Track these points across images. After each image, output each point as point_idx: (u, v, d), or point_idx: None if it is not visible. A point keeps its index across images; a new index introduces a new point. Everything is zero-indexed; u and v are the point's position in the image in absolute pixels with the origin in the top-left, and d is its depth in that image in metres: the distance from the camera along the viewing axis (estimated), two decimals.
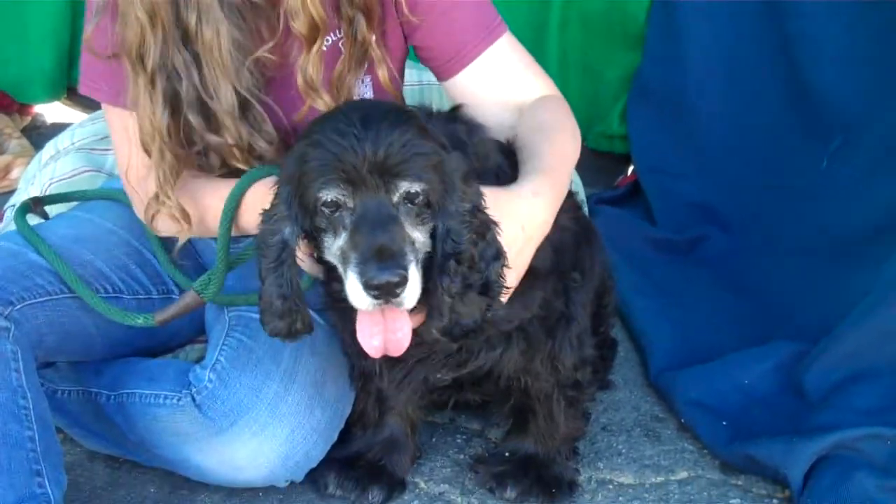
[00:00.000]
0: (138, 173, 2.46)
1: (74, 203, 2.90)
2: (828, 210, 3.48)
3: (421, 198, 1.96)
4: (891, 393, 2.75)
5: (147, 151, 2.35)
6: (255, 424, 2.44)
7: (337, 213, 1.95)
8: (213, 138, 2.36)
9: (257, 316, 2.49)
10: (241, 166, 2.39)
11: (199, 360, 2.63)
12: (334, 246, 1.98)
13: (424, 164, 1.96)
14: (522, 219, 2.17)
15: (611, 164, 4.39)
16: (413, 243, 1.96)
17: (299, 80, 2.33)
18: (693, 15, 4.02)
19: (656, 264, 3.65)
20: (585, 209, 3.69)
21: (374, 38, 2.40)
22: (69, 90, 4.73)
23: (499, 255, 2.05)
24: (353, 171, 1.91)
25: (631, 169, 4.25)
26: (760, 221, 3.70)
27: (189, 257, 2.77)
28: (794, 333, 3.12)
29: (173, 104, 2.32)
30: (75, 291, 2.42)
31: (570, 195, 2.47)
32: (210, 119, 2.35)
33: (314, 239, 2.06)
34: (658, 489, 2.68)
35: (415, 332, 2.06)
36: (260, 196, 2.26)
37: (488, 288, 2.05)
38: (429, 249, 2.01)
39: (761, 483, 2.69)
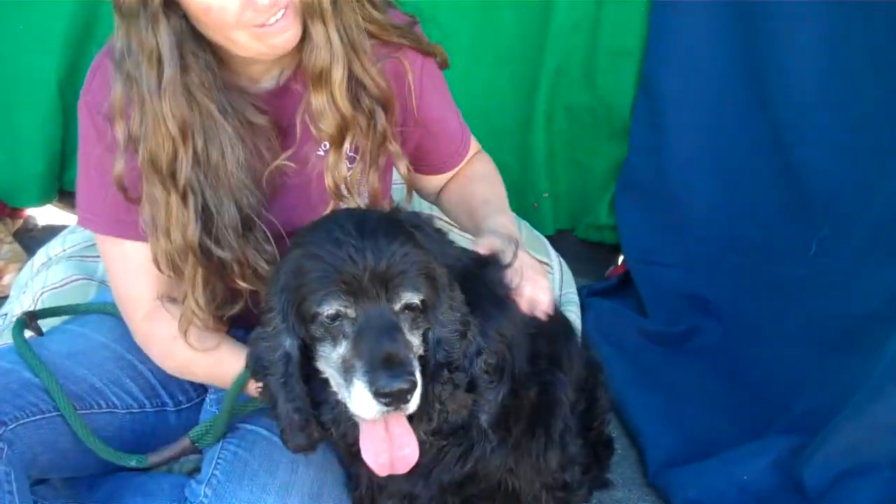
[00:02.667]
0: (144, 307, 2.49)
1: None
2: (819, 299, 3.47)
3: (418, 306, 1.98)
4: (891, 487, 2.73)
5: (178, 269, 2.35)
6: None
7: (337, 323, 1.96)
8: (220, 252, 2.36)
9: (252, 427, 2.52)
10: (244, 285, 2.39)
11: (193, 471, 2.61)
12: (333, 354, 1.98)
13: (421, 274, 1.99)
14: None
15: (601, 254, 4.39)
16: (412, 348, 1.98)
17: (329, 182, 2.37)
18: (677, 105, 4.04)
19: (650, 357, 3.64)
20: (577, 302, 3.76)
21: (390, 131, 2.44)
22: (60, 192, 4.73)
23: (480, 351, 2.10)
24: (354, 281, 1.93)
25: (621, 259, 4.26)
26: (752, 311, 3.70)
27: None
28: (791, 424, 3.10)
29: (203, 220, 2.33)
30: (71, 425, 2.41)
31: None
32: (216, 238, 2.35)
33: (308, 348, 2.05)
34: None
35: None
36: None
37: (474, 385, 2.11)
38: (421, 353, 2.03)
39: None
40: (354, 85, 2.34)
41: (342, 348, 1.96)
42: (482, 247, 2.36)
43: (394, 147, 2.46)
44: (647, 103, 4.12)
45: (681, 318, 3.83)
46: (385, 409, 1.90)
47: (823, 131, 3.64)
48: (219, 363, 2.46)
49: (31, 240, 4.52)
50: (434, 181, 2.82)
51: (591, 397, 2.77)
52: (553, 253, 3.93)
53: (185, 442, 2.50)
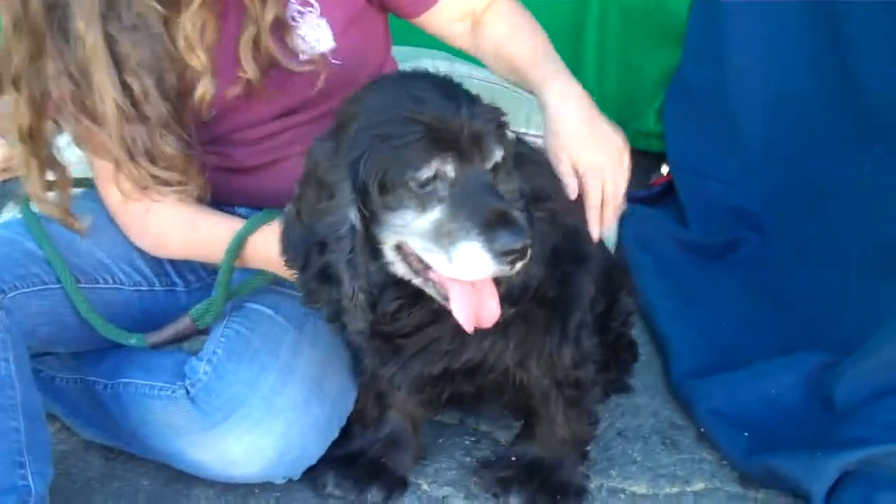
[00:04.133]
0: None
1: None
2: (867, 220, 3.33)
3: (501, 163, 1.93)
4: None
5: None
6: (250, 419, 2.36)
7: (430, 187, 1.85)
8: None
9: (257, 306, 2.47)
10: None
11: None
12: (422, 221, 1.87)
13: (502, 130, 1.95)
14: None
15: (646, 162, 4.22)
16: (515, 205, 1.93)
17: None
18: (736, 12, 3.86)
19: (685, 267, 3.52)
20: None
21: None
22: None
23: (532, 220, 2.05)
24: (453, 140, 1.84)
25: (666, 168, 4.12)
26: (797, 228, 3.56)
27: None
28: (825, 346, 2.98)
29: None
30: (72, 298, 2.38)
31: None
32: None
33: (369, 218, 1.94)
34: (673, 500, 2.56)
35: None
36: (264, 239, 2.24)
37: None
38: None
39: (782, 498, 2.56)
40: None
41: (436, 213, 1.85)
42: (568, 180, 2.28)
43: None
44: (705, 7, 3.94)
45: (721, 230, 3.69)
46: (502, 267, 1.82)
47: (885, 51, 3.42)
48: (194, 228, 2.39)
49: None
50: (432, 25, 2.58)
51: (612, 298, 2.69)
52: None
53: (185, 320, 2.45)
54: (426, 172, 1.83)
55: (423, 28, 2.60)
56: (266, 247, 2.23)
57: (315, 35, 2.35)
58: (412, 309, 2.08)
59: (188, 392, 2.40)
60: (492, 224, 1.80)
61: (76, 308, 2.40)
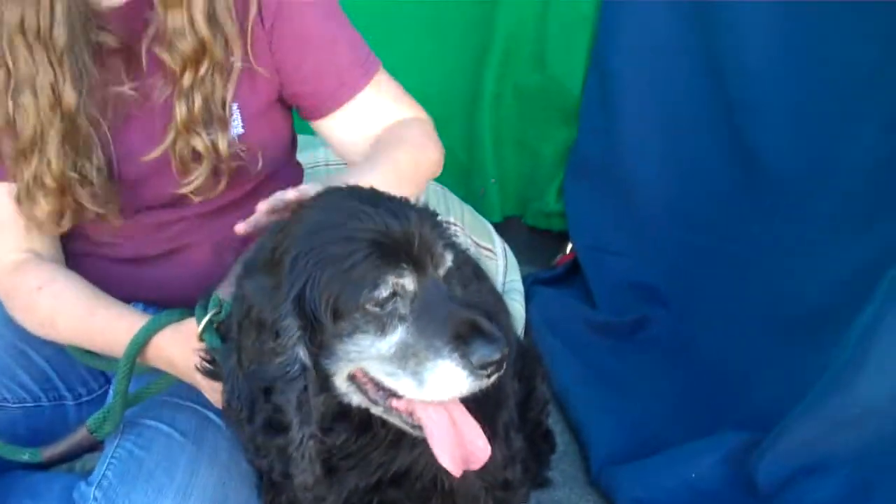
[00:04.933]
0: (9, 257, 2.29)
1: None
2: (773, 286, 3.34)
3: (453, 269, 1.82)
4: (848, 485, 2.60)
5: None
6: None
7: (388, 307, 1.71)
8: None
9: (152, 422, 2.30)
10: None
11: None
12: (381, 345, 1.73)
13: (447, 233, 1.83)
14: None
15: (549, 242, 4.23)
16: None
17: (180, 113, 2.17)
18: (629, 84, 3.88)
19: (597, 350, 3.48)
20: (521, 290, 3.60)
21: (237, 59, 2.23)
22: None
23: None
24: (403, 251, 1.71)
25: (570, 247, 4.09)
26: (704, 300, 3.55)
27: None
28: (743, 418, 2.97)
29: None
30: None
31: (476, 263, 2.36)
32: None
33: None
34: None
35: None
36: (168, 339, 2.10)
37: None
38: None
39: None
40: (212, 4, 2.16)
41: (398, 334, 1.72)
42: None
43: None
44: (598, 82, 3.95)
45: (629, 307, 3.67)
46: (480, 382, 1.69)
47: (777, 111, 3.48)
48: (91, 314, 2.23)
49: None
50: (335, 130, 2.47)
51: (527, 387, 2.61)
52: (497, 239, 3.77)
53: (82, 432, 2.26)
54: (384, 291, 1.70)
55: (327, 136, 2.50)
56: (170, 347, 2.10)
57: None
58: (362, 436, 1.94)
59: None
60: (464, 337, 1.68)
61: None
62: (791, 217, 3.38)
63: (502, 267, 3.67)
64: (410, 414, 1.81)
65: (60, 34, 2.09)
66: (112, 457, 2.25)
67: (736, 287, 3.48)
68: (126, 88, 2.19)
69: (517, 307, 3.44)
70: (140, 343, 2.12)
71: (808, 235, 3.29)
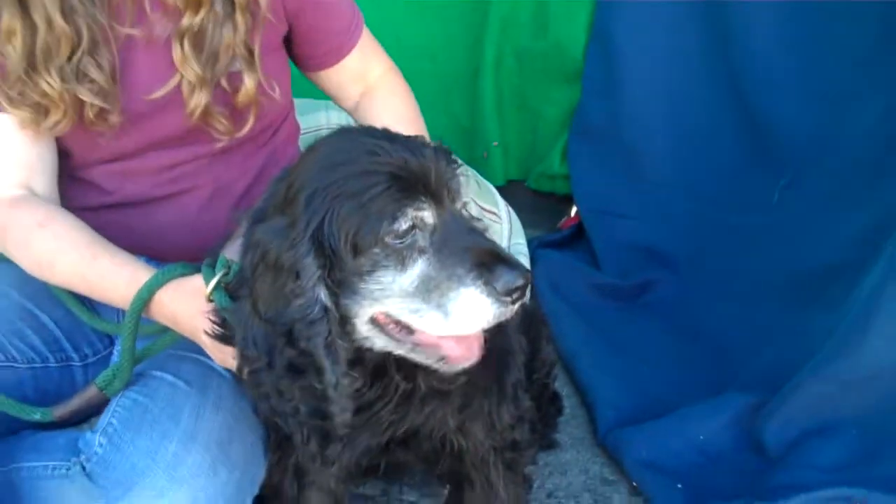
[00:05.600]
0: (5, 190, 2.26)
1: None
2: (780, 250, 3.31)
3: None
4: (855, 447, 2.61)
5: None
6: (152, 490, 2.14)
7: (407, 240, 1.70)
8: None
9: (157, 372, 2.29)
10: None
11: None
12: (402, 280, 1.71)
13: (460, 169, 1.81)
14: None
15: (553, 205, 4.19)
16: None
17: (176, 52, 2.18)
18: (632, 48, 3.83)
19: (602, 312, 3.46)
20: (526, 254, 3.58)
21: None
22: None
23: None
24: (421, 184, 1.69)
25: (574, 210, 4.06)
26: (710, 263, 3.52)
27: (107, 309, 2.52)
28: (750, 381, 2.95)
29: None
30: None
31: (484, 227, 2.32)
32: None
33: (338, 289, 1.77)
34: None
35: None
36: (171, 294, 2.07)
37: None
38: None
39: None
40: None
41: (419, 267, 1.70)
42: None
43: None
44: (601, 46, 3.90)
45: (635, 270, 3.65)
46: (504, 309, 1.67)
47: (782, 76, 3.46)
48: (92, 259, 2.19)
49: None
50: (331, 81, 2.60)
51: (533, 349, 2.59)
52: (502, 203, 3.74)
53: (91, 390, 2.24)
54: (404, 223, 1.68)
55: (320, 83, 2.61)
56: (173, 303, 2.07)
57: None
58: (374, 384, 1.92)
59: (84, 468, 2.20)
60: (487, 264, 1.66)
61: None
62: (796, 181, 3.36)
63: (507, 231, 3.64)
64: (437, 346, 1.79)
65: None
66: (117, 405, 2.24)
67: (741, 250, 3.46)
68: (129, 28, 2.19)
69: None
70: (144, 299, 2.09)
71: (814, 200, 3.27)
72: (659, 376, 3.13)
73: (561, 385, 2.98)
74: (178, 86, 2.22)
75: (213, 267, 1.94)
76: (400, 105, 2.60)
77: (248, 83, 2.27)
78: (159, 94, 2.22)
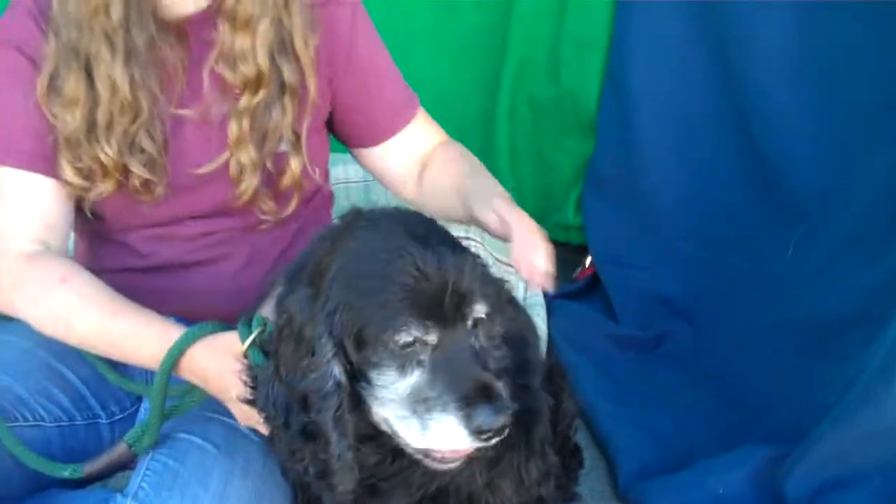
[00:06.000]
0: (22, 244, 2.28)
1: None
2: (795, 300, 3.33)
3: (485, 319, 1.81)
4: (879, 497, 2.58)
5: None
6: None
7: (410, 350, 1.74)
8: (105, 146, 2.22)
9: (184, 435, 2.31)
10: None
11: None
12: (400, 385, 1.76)
13: (487, 284, 1.81)
14: None
15: (567, 255, 4.22)
16: (497, 372, 1.81)
17: (233, 132, 2.24)
18: (644, 99, 3.90)
19: (620, 364, 3.49)
20: (543, 304, 3.59)
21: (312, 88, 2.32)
22: None
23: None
24: (433, 304, 1.72)
25: (589, 260, 4.09)
26: (726, 313, 3.55)
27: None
28: (769, 432, 2.96)
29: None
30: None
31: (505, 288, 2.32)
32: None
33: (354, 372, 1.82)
34: None
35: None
36: (202, 352, 2.09)
37: None
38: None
39: None
40: (278, 39, 2.25)
41: (414, 377, 1.74)
42: (489, 217, 2.16)
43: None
44: (614, 97, 3.98)
45: (651, 321, 3.68)
46: (478, 444, 1.73)
47: (796, 126, 3.49)
48: (114, 317, 2.20)
49: None
50: (385, 158, 2.60)
51: (555, 402, 2.60)
52: None
53: (120, 447, 2.26)
54: (406, 337, 1.73)
55: (370, 166, 2.63)
56: (205, 360, 2.09)
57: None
58: (398, 460, 1.95)
59: None
60: (472, 398, 1.69)
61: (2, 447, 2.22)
62: (811, 231, 3.37)
63: (523, 282, 3.66)
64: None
65: (116, 8, 2.14)
66: (147, 469, 2.25)
67: (756, 300, 3.47)
68: (182, 110, 2.26)
69: (539, 322, 3.42)
70: (175, 355, 2.11)
71: (829, 249, 3.29)
72: (677, 427, 3.14)
73: (580, 437, 2.99)
74: (226, 162, 2.28)
75: (249, 325, 1.97)
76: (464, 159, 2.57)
77: (294, 166, 2.34)
78: (206, 170, 2.28)
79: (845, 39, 3.33)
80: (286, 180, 2.36)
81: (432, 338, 1.73)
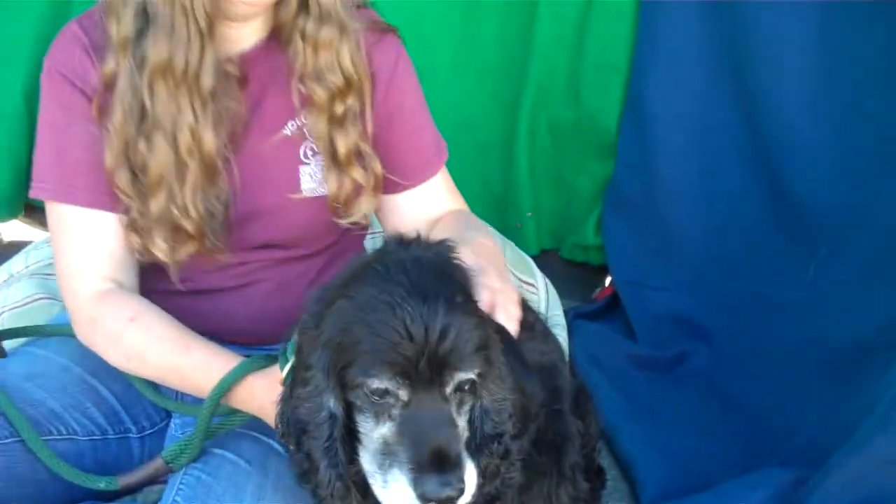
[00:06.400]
0: (93, 284, 2.33)
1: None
2: (814, 324, 3.34)
3: (469, 385, 1.80)
4: None
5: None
6: None
7: (383, 400, 1.76)
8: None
9: (218, 450, 2.35)
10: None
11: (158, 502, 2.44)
12: (374, 433, 1.78)
13: (478, 349, 1.79)
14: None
15: (586, 275, 4.26)
16: (462, 440, 1.79)
17: (342, 150, 2.30)
18: (665, 122, 3.93)
19: (640, 384, 3.51)
20: (564, 325, 3.63)
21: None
22: (27, 208, 4.58)
23: (510, 417, 1.92)
24: (409, 364, 1.72)
25: (609, 280, 4.13)
26: (745, 335, 3.57)
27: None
28: (788, 455, 2.97)
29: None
30: (33, 449, 2.25)
31: (536, 317, 2.39)
32: None
33: (349, 409, 1.85)
34: None
35: None
36: (264, 385, 2.13)
37: (507, 453, 1.92)
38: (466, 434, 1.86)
39: None
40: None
41: (385, 428, 1.77)
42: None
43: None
44: (634, 120, 4.00)
45: (670, 341, 3.70)
46: None
47: (816, 150, 3.52)
48: (186, 351, 2.26)
49: None
50: (400, 208, 2.60)
51: (582, 424, 2.63)
52: (539, 274, 3.78)
53: (158, 462, 2.30)
54: (378, 385, 1.75)
55: (383, 215, 2.63)
56: (262, 393, 2.14)
57: (321, 176, 2.39)
58: None
59: None
60: (424, 465, 1.69)
61: (33, 461, 2.25)
62: (830, 256, 3.40)
63: (544, 301, 3.69)
64: None
65: (208, 79, 2.17)
66: (181, 483, 2.29)
67: (775, 323, 3.49)
68: (263, 144, 2.32)
69: (561, 342, 3.45)
70: (228, 384, 2.18)
71: (849, 273, 3.31)
72: (698, 448, 3.16)
73: (602, 457, 3.01)
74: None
75: (286, 353, 2.01)
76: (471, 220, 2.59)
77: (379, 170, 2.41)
78: (308, 195, 2.36)
79: (866, 64, 3.37)
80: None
81: (404, 394, 1.74)
